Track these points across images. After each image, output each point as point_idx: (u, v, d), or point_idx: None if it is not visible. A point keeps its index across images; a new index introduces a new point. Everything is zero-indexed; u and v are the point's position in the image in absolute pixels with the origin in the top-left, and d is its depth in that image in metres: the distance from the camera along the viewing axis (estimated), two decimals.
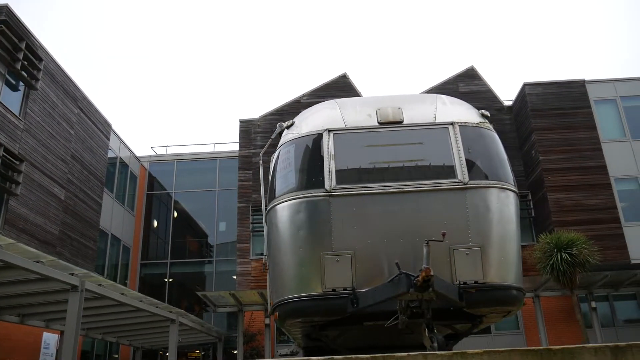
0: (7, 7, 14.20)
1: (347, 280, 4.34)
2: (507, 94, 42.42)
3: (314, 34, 69.68)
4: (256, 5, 67.05)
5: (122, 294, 12.48)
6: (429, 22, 67.75)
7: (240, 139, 21.77)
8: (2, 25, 13.85)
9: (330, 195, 4.62)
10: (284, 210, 4.73)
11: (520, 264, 4.78)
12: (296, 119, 5.40)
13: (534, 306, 18.80)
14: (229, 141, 39.61)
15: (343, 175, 4.71)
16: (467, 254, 4.42)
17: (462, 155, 4.70)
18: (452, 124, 4.89)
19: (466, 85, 21.81)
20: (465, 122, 4.94)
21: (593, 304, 18.16)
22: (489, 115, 5.24)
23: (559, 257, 13.24)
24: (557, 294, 18.80)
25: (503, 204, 4.63)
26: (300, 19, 67.61)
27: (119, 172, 21.74)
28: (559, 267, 13.20)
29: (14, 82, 14.62)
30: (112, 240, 20.52)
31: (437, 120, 4.93)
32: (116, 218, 21.07)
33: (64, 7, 66.71)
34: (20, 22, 14.64)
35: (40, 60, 15.40)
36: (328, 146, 4.85)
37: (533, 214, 19.83)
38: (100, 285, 11.65)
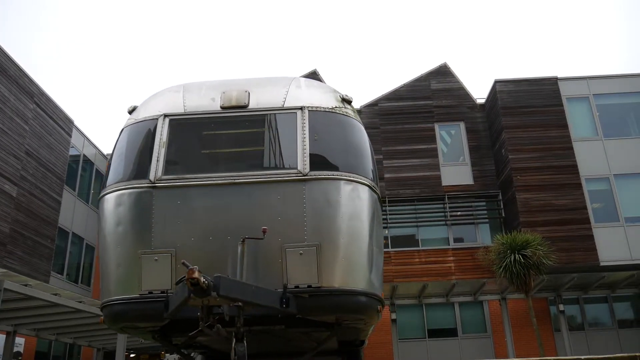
0: None
1: (166, 282, 3.90)
2: (482, 92, 42.11)
3: (286, 31, 69.09)
4: (225, 2, 66.53)
5: (56, 294, 12.07)
6: (403, 19, 67.06)
7: None
8: None
9: (153, 187, 4.17)
10: (108, 202, 4.29)
11: (377, 268, 4.31)
12: (140, 103, 4.94)
13: (500, 309, 18.32)
14: None
15: (173, 165, 4.27)
16: (300, 253, 3.96)
17: (307, 143, 4.25)
18: (301, 108, 4.43)
19: (438, 83, 21.34)
20: (317, 107, 4.47)
21: (561, 307, 17.67)
22: (351, 100, 4.76)
23: (513, 258, 12.75)
24: (522, 296, 18.30)
25: (349, 199, 4.16)
26: (272, 15, 67.06)
27: (82, 170, 21.33)
28: (512, 268, 12.71)
29: None
30: (73, 239, 20.11)
31: (286, 105, 4.47)
32: (79, 216, 20.65)
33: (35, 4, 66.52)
34: None
35: None
36: (161, 133, 4.40)
37: (503, 215, 19.35)
38: (26, 285, 11.24)
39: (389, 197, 19.73)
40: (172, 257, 3.96)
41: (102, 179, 22.59)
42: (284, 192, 4.09)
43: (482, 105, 21.00)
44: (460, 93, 21.21)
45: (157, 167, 4.23)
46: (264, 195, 4.10)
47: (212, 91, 4.62)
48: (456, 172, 20.12)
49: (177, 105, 4.57)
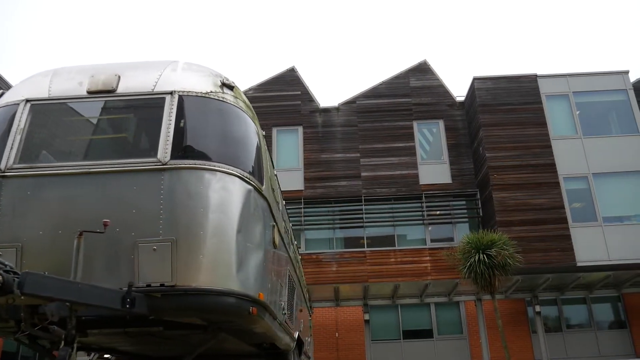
0: None
1: None
2: (462, 90, 41.63)
3: (263, 27, 68.57)
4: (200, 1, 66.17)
5: None
6: (383, 16, 66.50)
7: None
8: None
9: (2, 176, 3.87)
10: None
11: (251, 266, 3.98)
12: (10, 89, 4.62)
13: (475, 310, 17.99)
14: None
15: (29, 153, 3.97)
16: (154, 249, 3.65)
17: (171, 130, 3.94)
18: (171, 93, 4.12)
19: (417, 80, 21.01)
20: (189, 92, 4.15)
21: (537, 308, 17.35)
22: (232, 85, 4.44)
23: (477, 258, 12.42)
24: (499, 297, 17.97)
25: (212, 190, 3.84)
26: (250, 12, 66.59)
27: None
28: (477, 269, 12.37)
29: None
30: None
31: (156, 89, 4.16)
32: None
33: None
34: None
35: None
36: (20, 119, 4.10)
37: (481, 214, 19.01)
38: None
39: (366, 196, 19.42)
40: (18, 252, 3.65)
41: None
42: (140, 182, 3.78)
43: (461, 103, 20.66)
44: (440, 90, 20.87)
45: (9, 155, 3.93)
46: (120, 186, 3.79)
47: (81, 75, 4.32)
48: (434, 170, 19.78)
49: (42, 89, 4.26)
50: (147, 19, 67.36)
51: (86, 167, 3.85)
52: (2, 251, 3.65)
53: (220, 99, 4.24)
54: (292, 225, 19.63)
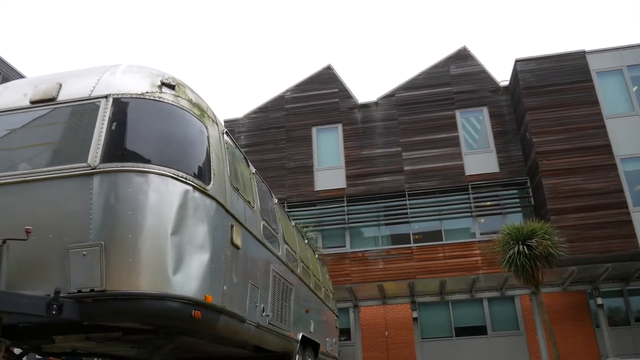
0: None
1: None
2: (506, 74, 39.29)
3: (296, 27, 68.04)
4: (234, 3, 66.48)
5: None
6: (417, 7, 64.31)
7: None
8: None
9: None
10: None
11: (191, 267, 3.82)
12: None
13: (531, 304, 17.05)
14: None
15: None
16: (84, 254, 3.58)
17: (103, 133, 3.87)
18: (106, 97, 4.05)
19: (458, 67, 20.24)
20: (124, 94, 4.06)
21: (599, 301, 16.19)
22: (173, 84, 4.30)
23: (517, 249, 11.69)
24: (556, 290, 16.95)
25: (141, 192, 3.71)
26: (282, 11, 66.29)
27: None
28: (517, 261, 11.65)
29: None
30: None
31: (93, 94, 4.10)
32: None
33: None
34: None
35: (5, 79, 15.67)
36: None
37: (532, 203, 18.01)
38: None
39: (409, 190, 18.91)
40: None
41: None
42: (71, 188, 3.73)
43: (505, 87, 19.69)
44: (482, 76, 20.00)
45: None
46: (53, 193, 3.76)
47: (28, 86, 4.35)
48: (480, 160, 18.96)
49: None
50: (175, 20, 69.23)
51: (18, 176, 3.84)
52: None
53: (156, 98, 4.12)
54: (337, 224, 19.54)
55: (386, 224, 19.17)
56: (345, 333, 18.29)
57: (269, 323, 5.45)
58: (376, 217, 19.19)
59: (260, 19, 67.36)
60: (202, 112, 4.51)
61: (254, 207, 5.39)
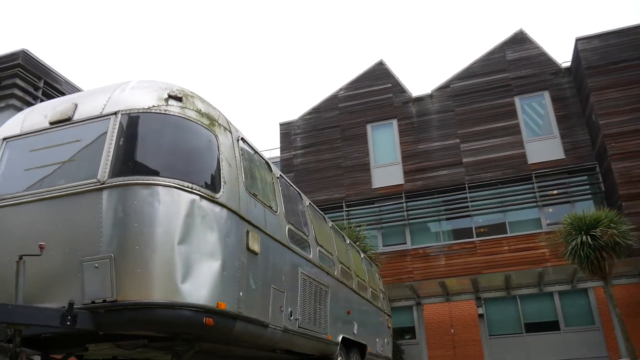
0: (24, 52, 15.56)
1: None
2: (567, 55, 36.85)
3: (347, 24, 66.96)
4: (278, 6, 66.33)
5: None
6: None
7: (281, 143, 21.65)
8: (19, 69, 15.19)
9: None
10: None
11: (200, 275, 3.86)
12: None
13: (605, 297, 16.04)
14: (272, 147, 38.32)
15: (3, 186, 4.29)
16: (96, 267, 3.73)
17: (111, 149, 4.00)
18: (115, 113, 4.19)
19: (514, 52, 19.41)
20: (132, 109, 4.19)
21: None
22: (179, 96, 4.37)
23: (580, 240, 11.02)
24: (634, 281, 15.86)
25: (146, 204, 3.78)
26: (332, 10, 65.45)
27: None
28: (580, 252, 10.99)
29: None
30: None
31: (104, 112, 4.25)
32: None
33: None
34: (38, 62, 15.96)
35: (62, 93, 16.64)
36: None
37: (603, 189, 16.96)
38: None
39: (469, 183, 18.36)
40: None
41: None
42: (84, 203, 3.90)
43: (567, 69, 18.66)
44: (541, 59, 19.06)
45: None
46: (69, 209, 3.94)
47: (49, 108, 4.59)
48: (544, 147, 18.08)
49: (16, 127, 4.61)
50: (226, 24, 70.51)
51: (37, 194, 4.06)
52: None
53: (162, 111, 4.22)
54: (396, 221, 19.28)
55: (447, 219, 18.71)
56: (409, 331, 18.03)
57: (298, 327, 5.45)
58: (436, 212, 18.78)
59: (311, 20, 67.75)
60: (212, 121, 4.57)
61: (277, 212, 5.41)
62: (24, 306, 3.50)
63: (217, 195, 4.24)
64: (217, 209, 4.22)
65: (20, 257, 3.66)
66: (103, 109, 4.29)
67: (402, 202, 19.08)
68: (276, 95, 71.18)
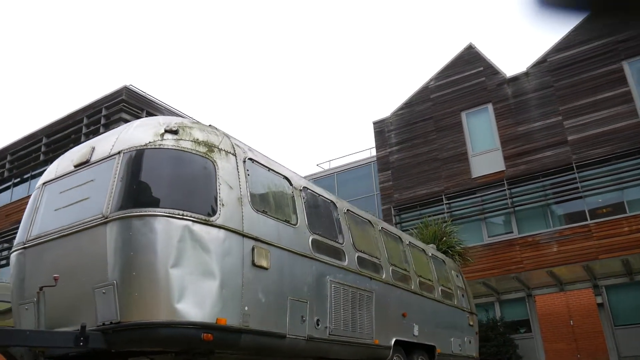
0: (126, 88, 17.35)
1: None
2: None
3: (433, 12, 63.05)
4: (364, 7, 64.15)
5: None
6: None
7: (375, 141, 21.66)
8: (124, 104, 16.97)
9: (24, 247, 4.93)
10: (10, 260, 5.23)
11: (199, 295, 4.14)
12: None
13: None
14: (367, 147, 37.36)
15: (41, 226, 4.96)
16: (104, 293, 4.18)
17: (118, 185, 4.44)
18: (119, 152, 4.63)
19: None
20: (131, 147, 4.60)
21: None
22: (176, 130, 4.68)
23: None
24: None
25: (140, 234, 4.13)
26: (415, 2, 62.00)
27: None
28: None
29: None
30: None
31: (112, 151, 4.72)
32: None
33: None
34: (140, 95, 17.66)
35: None
36: (36, 199, 5.18)
37: None
38: None
39: (577, 162, 16.96)
40: (34, 305, 4.61)
41: None
42: (95, 236, 4.39)
43: None
44: None
45: (30, 229, 5.01)
46: (85, 242, 4.45)
47: (75, 153, 5.21)
48: None
49: (52, 172, 5.29)
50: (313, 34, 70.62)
51: (61, 231, 4.65)
52: (27, 305, 4.68)
53: (157, 146, 4.60)
54: (500, 209, 18.35)
55: (556, 203, 17.46)
56: (523, 325, 17.08)
57: (330, 334, 5.57)
58: (543, 196, 17.59)
59: (399, 16, 66.37)
60: (211, 147, 4.87)
61: (296, 224, 5.57)
62: (40, 331, 4.06)
63: (213, 219, 4.52)
64: (214, 231, 4.50)
65: (41, 289, 4.25)
66: (111, 149, 4.79)
67: (505, 190, 18.14)
68: (370, 94, 70.93)
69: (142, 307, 4.12)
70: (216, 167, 4.79)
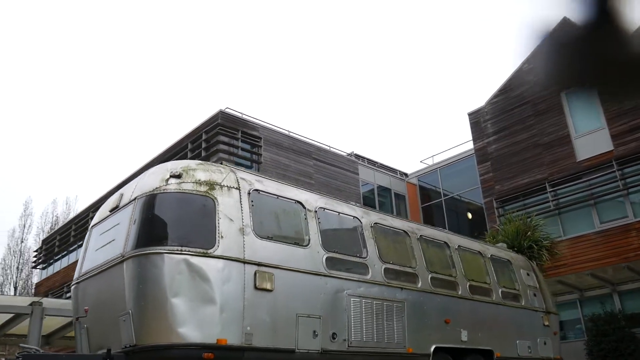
0: (221, 112, 18.81)
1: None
2: None
3: None
4: None
5: None
6: None
7: (472, 133, 21.06)
8: (220, 128, 18.43)
9: (77, 282, 5.93)
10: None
11: (199, 319, 4.74)
12: None
13: None
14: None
15: (86, 264, 5.93)
16: (124, 320, 4.95)
17: (132, 228, 5.20)
18: (135, 198, 5.39)
19: None
20: (143, 193, 5.33)
21: None
22: (179, 173, 5.32)
23: None
24: None
25: (145, 269, 4.81)
26: None
27: (381, 198, 23.99)
28: None
29: (247, 165, 19.03)
30: None
31: (131, 198, 5.49)
32: None
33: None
34: (234, 117, 19.02)
35: (259, 138, 19.40)
36: (86, 240, 6.18)
37: None
38: None
39: None
40: (85, 331, 5.56)
41: (404, 199, 24.73)
42: (118, 273, 5.20)
43: None
44: None
45: (82, 266, 6.00)
46: (114, 278, 5.29)
47: (111, 199, 6.13)
48: None
49: (98, 215, 6.27)
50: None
51: (96, 269, 5.55)
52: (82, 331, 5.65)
53: (162, 191, 5.31)
54: (611, 193, 16.91)
55: None
56: None
57: (349, 346, 5.89)
58: None
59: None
60: (212, 185, 5.46)
61: (307, 245, 5.97)
62: (74, 355, 4.96)
63: (211, 250, 5.12)
64: (212, 261, 5.10)
65: (77, 319, 5.15)
66: (131, 196, 5.60)
67: (615, 171, 16.70)
68: (464, 86, 67.66)
69: (151, 332, 4.84)
70: (216, 203, 5.38)
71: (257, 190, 5.85)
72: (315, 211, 6.39)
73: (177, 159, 20.46)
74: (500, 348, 7.94)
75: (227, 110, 19.14)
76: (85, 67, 67.91)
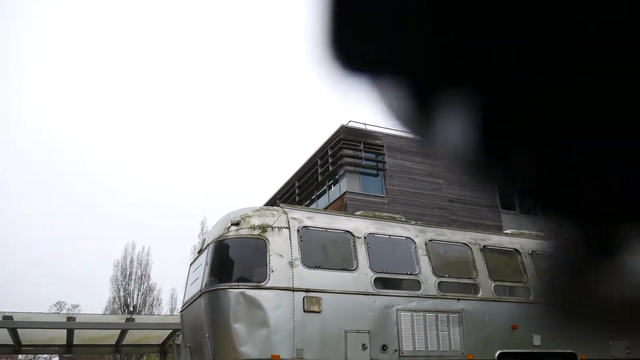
0: (343, 127, 20.13)
1: None
2: None
3: None
4: None
5: None
6: None
7: None
8: (343, 142, 19.78)
9: (182, 310, 7.58)
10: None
11: (256, 339, 5.97)
12: None
13: None
14: None
15: (186, 296, 7.54)
16: (205, 342, 6.38)
17: (206, 269, 6.62)
18: (209, 245, 6.80)
19: None
20: (213, 240, 6.72)
21: None
22: (237, 221, 6.57)
23: None
24: None
25: (213, 303, 6.18)
26: None
27: None
28: None
29: (373, 173, 20.11)
30: None
31: (206, 243, 6.92)
32: None
33: None
34: (356, 129, 20.20)
35: (382, 146, 20.31)
36: (187, 275, 7.80)
37: None
38: None
39: None
40: (189, 353, 7.19)
41: None
42: (198, 305, 6.68)
43: None
44: None
45: (184, 297, 7.65)
46: (195, 309, 6.79)
47: (200, 242, 7.68)
48: None
49: (192, 256, 7.87)
50: None
51: (189, 301, 7.12)
52: (185, 350, 7.31)
53: (224, 237, 6.67)
54: None
55: None
56: None
57: (400, 356, 6.69)
58: None
59: None
60: (264, 228, 6.69)
61: (355, 268, 6.89)
62: None
63: (263, 283, 6.34)
64: (264, 292, 6.32)
65: (173, 341, 6.74)
66: (207, 241, 7.08)
67: None
68: None
69: (222, 351, 6.21)
70: (267, 243, 6.59)
71: (305, 227, 6.93)
72: (365, 237, 7.25)
73: (310, 175, 22.28)
74: (586, 350, 7.92)
75: (350, 124, 20.36)
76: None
